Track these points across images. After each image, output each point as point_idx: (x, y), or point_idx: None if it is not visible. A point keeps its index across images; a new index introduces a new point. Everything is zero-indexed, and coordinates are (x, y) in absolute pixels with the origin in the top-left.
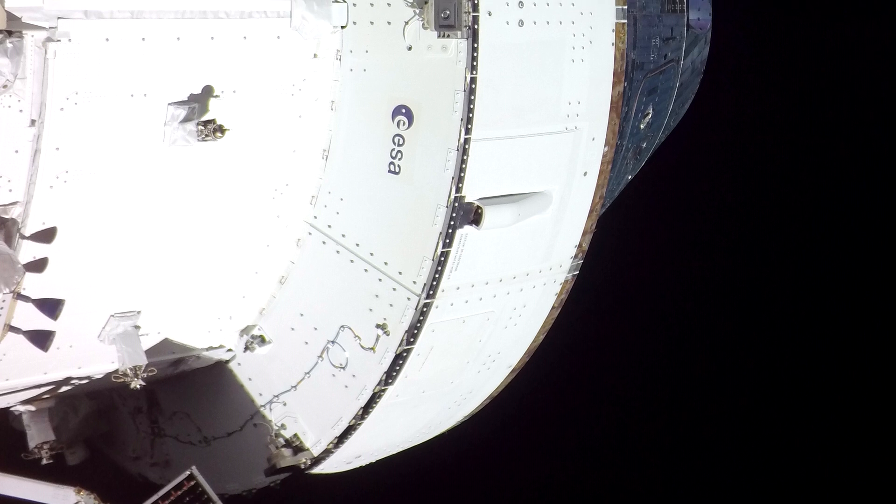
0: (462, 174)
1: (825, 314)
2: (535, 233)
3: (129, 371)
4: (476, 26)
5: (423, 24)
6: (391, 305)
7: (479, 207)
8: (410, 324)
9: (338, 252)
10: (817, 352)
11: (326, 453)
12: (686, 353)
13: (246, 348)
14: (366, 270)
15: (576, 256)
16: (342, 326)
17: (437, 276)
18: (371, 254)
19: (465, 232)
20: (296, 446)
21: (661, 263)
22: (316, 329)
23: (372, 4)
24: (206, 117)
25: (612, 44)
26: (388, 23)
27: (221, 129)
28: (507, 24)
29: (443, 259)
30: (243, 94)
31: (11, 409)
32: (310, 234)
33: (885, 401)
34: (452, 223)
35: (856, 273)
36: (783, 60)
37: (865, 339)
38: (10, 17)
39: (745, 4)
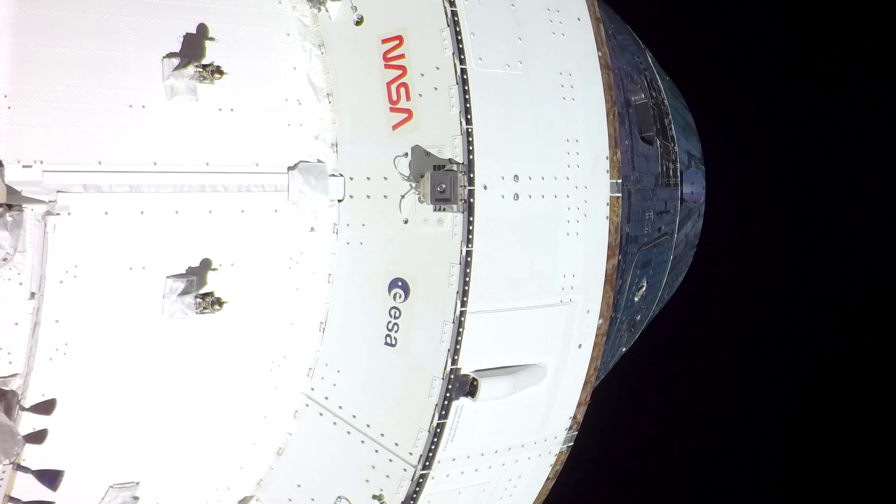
0: (458, 347)
1: (824, 486)
2: (530, 404)
3: None
4: (472, 200)
5: (419, 197)
6: (387, 476)
7: (474, 380)
8: (407, 495)
9: (335, 423)
10: None
11: None
12: None
13: None
14: (362, 441)
15: (570, 428)
16: (339, 497)
17: (433, 447)
18: (368, 425)
19: (461, 404)
20: None
21: (656, 435)
22: (313, 500)
23: (368, 178)
24: (204, 290)
25: (607, 217)
26: (385, 196)
27: (219, 302)
28: (503, 197)
29: (439, 430)
30: (241, 267)
31: None
32: (307, 405)
33: None
34: (448, 395)
35: (854, 430)
36: (776, 234)
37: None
38: (10, 191)
39: (738, 178)
